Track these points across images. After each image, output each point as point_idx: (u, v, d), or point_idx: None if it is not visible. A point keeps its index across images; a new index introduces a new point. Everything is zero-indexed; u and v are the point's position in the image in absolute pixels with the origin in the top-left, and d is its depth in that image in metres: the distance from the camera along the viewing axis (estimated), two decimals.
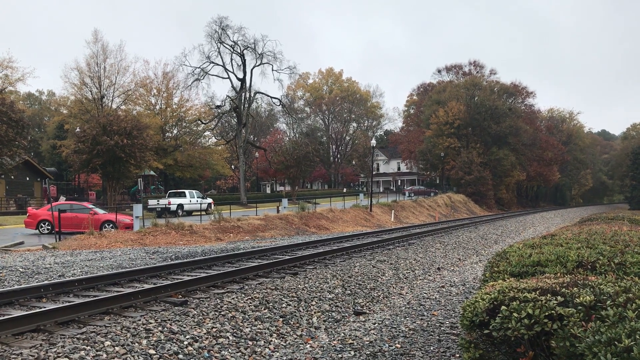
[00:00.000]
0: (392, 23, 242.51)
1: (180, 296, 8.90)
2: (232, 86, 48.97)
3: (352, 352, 6.66)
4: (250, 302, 8.76)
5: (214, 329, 7.36)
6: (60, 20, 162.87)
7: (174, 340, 6.69)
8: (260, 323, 8.03)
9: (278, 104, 56.26)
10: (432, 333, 7.49)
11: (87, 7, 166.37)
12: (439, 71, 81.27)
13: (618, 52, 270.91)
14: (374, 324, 8.36)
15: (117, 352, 6.05)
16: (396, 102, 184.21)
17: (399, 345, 6.88)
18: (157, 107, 53.67)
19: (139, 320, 7.21)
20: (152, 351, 6.26)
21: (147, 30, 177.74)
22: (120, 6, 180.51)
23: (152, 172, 48.83)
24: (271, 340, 7.50)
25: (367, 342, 7.12)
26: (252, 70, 47.52)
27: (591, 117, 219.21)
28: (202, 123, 53.30)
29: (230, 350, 6.83)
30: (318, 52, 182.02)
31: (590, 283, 4.07)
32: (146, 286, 9.59)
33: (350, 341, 7.25)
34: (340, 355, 6.58)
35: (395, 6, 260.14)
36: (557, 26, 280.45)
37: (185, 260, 12.97)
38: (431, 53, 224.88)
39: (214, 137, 68.42)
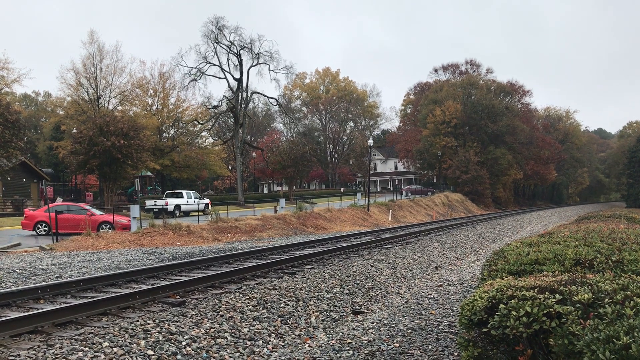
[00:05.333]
0: (378, 19, 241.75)
1: (178, 297, 8.89)
2: (229, 86, 48.89)
3: (351, 352, 6.65)
4: (248, 302, 8.75)
5: (212, 329, 7.35)
6: (56, 21, 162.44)
7: (172, 341, 6.68)
8: (258, 323, 8.02)
9: (275, 104, 56.26)
10: (431, 332, 7.50)
11: (83, 7, 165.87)
12: (436, 70, 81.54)
13: (613, 51, 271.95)
14: (372, 323, 8.35)
15: (115, 353, 6.04)
16: (387, 98, 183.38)
17: (397, 345, 6.87)
18: (154, 107, 53.63)
19: (137, 321, 7.19)
20: (150, 352, 6.25)
21: (142, 31, 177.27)
22: (117, 7, 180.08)
23: (149, 173, 48.74)
24: (270, 340, 7.50)
25: (366, 342, 7.12)
26: (248, 70, 47.43)
27: (587, 115, 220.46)
28: (199, 123, 53.27)
29: (228, 350, 6.83)
30: (301, 48, 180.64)
31: (588, 281, 4.08)
32: (144, 287, 9.57)
33: (349, 340, 7.24)
34: (338, 355, 6.58)
35: (381, 1, 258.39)
36: (552, 24, 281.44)
37: (182, 260, 12.96)
38: (423, 50, 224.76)
39: (210, 138, 68.42)
